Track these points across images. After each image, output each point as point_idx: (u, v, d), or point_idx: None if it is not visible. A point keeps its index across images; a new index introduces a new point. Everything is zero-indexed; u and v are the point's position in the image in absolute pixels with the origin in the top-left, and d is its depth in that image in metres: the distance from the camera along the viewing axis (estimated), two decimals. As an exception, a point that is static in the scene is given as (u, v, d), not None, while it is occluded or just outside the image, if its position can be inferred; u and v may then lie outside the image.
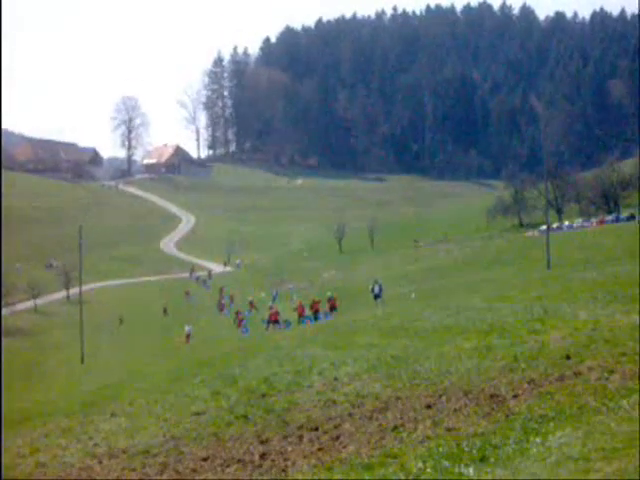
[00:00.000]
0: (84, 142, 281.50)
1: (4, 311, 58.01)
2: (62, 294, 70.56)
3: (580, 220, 79.43)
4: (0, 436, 11.51)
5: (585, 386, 8.27)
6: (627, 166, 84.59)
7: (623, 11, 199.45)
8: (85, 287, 51.73)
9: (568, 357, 9.83)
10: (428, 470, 6.58)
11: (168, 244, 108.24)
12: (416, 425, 8.22)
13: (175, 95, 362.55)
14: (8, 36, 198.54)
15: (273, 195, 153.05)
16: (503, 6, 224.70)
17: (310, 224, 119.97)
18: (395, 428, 8.27)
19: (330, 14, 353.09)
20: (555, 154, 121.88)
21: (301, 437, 8.75)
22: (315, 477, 7.23)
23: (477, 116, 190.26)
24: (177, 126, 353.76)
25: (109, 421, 12.21)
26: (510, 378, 9.41)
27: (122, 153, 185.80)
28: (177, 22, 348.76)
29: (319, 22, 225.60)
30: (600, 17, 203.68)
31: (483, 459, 6.58)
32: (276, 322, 38.23)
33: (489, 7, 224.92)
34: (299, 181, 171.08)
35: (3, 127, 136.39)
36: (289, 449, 8.38)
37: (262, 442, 8.87)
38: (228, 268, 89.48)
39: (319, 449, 8.14)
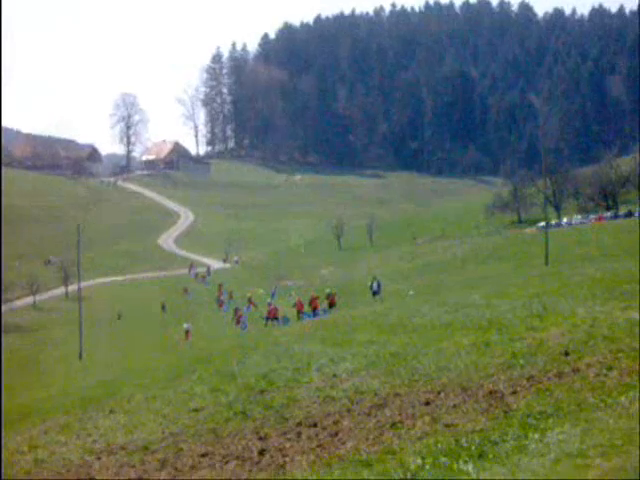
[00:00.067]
0: (83, 139, 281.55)
1: (3, 308, 58.01)
2: (61, 291, 70.58)
3: (578, 217, 79.43)
4: (0, 434, 11.52)
5: (584, 382, 8.27)
6: (625, 163, 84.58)
7: (622, 8, 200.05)
8: (84, 283, 51.67)
9: (567, 354, 9.83)
10: (427, 466, 6.58)
11: (167, 240, 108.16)
12: (415, 421, 8.23)
13: (174, 92, 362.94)
14: (7, 33, 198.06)
15: (272, 192, 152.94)
16: (502, 3, 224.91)
17: (309, 221, 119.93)
18: (394, 424, 8.28)
19: (329, 11, 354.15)
20: (553, 151, 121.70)
21: (300, 433, 8.76)
22: (314, 473, 7.23)
23: (476, 113, 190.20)
24: (176, 123, 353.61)
25: (108, 417, 12.23)
26: (509, 375, 9.41)
27: (121, 150, 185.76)
28: (176, 18, 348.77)
29: (318, 19, 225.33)
30: (599, 14, 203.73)
31: (482, 455, 6.59)
32: (275, 318, 38.28)
33: (488, 4, 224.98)
34: (298, 178, 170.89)
35: (2, 124, 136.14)
36: (288, 445, 8.38)
37: (261, 438, 8.88)
38: (227, 264, 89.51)
39: (318, 445, 8.15)
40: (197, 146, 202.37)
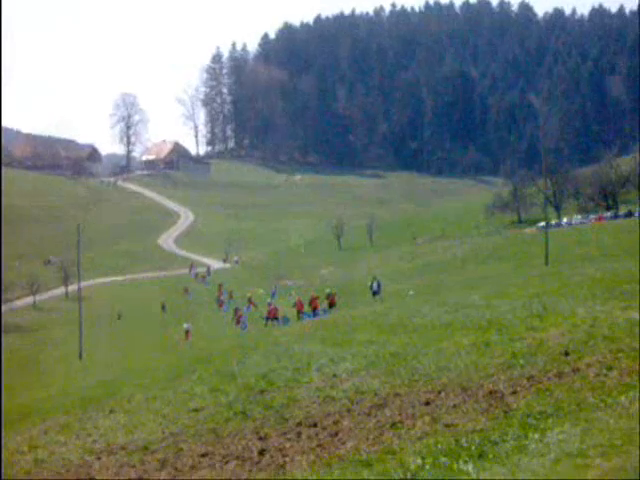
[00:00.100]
0: (83, 139, 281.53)
1: (3, 308, 58.01)
2: (61, 291, 70.57)
3: (578, 217, 79.42)
4: (0, 434, 11.51)
5: (584, 382, 8.27)
6: (625, 163, 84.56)
7: (622, 8, 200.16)
8: (84, 283, 51.67)
9: (566, 353, 9.82)
10: (427, 466, 6.58)
11: (167, 240, 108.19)
12: (415, 421, 8.22)
13: (174, 92, 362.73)
14: (7, 33, 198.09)
15: (272, 192, 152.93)
16: (502, 3, 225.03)
17: (309, 221, 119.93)
18: (394, 424, 8.27)
19: (329, 11, 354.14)
20: (553, 151, 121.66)
21: (300, 433, 8.76)
22: (314, 473, 7.23)
23: (476, 113, 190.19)
24: (176, 123, 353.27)
25: (108, 417, 12.23)
26: (509, 375, 9.40)
27: (121, 149, 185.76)
28: (176, 18, 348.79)
29: (318, 19, 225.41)
30: (599, 14, 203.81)
31: (482, 455, 6.59)
32: (275, 318, 38.27)
33: (488, 4, 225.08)
34: (298, 178, 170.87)
35: (2, 124, 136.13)
36: (288, 445, 8.38)
37: (261, 438, 8.87)
38: (227, 264, 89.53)
39: (318, 445, 8.14)
40: (197, 146, 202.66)
